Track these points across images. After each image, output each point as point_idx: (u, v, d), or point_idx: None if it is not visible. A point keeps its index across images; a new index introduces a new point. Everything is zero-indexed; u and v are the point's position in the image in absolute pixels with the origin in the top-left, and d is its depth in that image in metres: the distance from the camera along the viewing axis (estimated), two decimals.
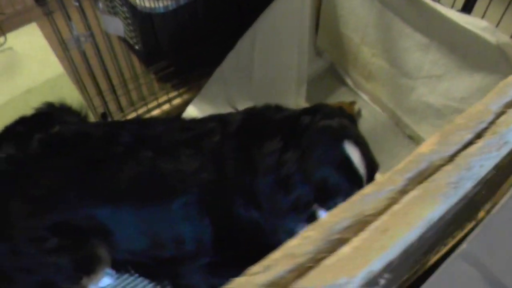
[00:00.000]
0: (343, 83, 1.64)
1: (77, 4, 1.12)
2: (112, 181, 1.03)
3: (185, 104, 1.52)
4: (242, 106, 1.37)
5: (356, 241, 0.45)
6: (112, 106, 1.43)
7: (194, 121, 1.14)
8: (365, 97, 1.59)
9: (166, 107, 1.51)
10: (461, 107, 1.23)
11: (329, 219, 0.46)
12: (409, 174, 0.49)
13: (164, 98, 1.51)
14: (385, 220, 0.46)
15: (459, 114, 1.27)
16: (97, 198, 1.02)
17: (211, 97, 1.50)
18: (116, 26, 1.17)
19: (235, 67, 1.48)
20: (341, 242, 0.45)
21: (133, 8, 1.32)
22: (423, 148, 0.51)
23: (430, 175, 0.49)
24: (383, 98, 1.51)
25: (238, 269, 1.15)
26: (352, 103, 1.55)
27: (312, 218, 1.06)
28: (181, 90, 1.53)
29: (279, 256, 0.43)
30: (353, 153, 0.94)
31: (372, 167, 0.97)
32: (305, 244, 0.44)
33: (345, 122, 1.02)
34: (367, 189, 0.48)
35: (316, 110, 1.04)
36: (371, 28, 1.39)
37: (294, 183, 0.95)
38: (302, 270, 0.43)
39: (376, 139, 1.44)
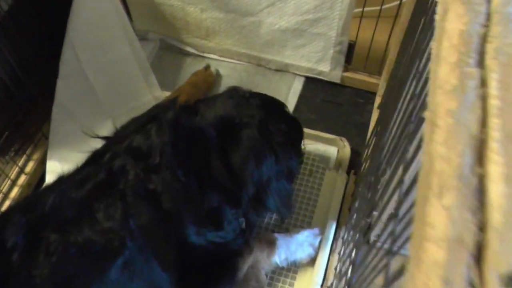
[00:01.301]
0: (185, 53, 1.52)
1: None
2: None
3: (41, 164, 1.24)
4: (101, 129, 1.16)
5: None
6: None
7: (86, 166, 0.92)
8: (214, 56, 1.50)
9: (22, 180, 1.21)
10: (318, 16, 1.24)
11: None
12: (473, 58, 0.44)
13: (16, 170, 1.21)
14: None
15: (318, 24, 1.28)
16: None
17: (64, 138, 1.24)
18: None
19: (71, 93, 1.23)
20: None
21: None
22: (453, 24, 0.46)
23: (484, 42, 0.45)
24: (233, 48, 1.45)
25: None
26: (207, 68, 1.45)
27: None
28: (28, 152, 1.24)
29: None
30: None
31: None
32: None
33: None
34: (448, 85, 0.42)
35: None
36: None
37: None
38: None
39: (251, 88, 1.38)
